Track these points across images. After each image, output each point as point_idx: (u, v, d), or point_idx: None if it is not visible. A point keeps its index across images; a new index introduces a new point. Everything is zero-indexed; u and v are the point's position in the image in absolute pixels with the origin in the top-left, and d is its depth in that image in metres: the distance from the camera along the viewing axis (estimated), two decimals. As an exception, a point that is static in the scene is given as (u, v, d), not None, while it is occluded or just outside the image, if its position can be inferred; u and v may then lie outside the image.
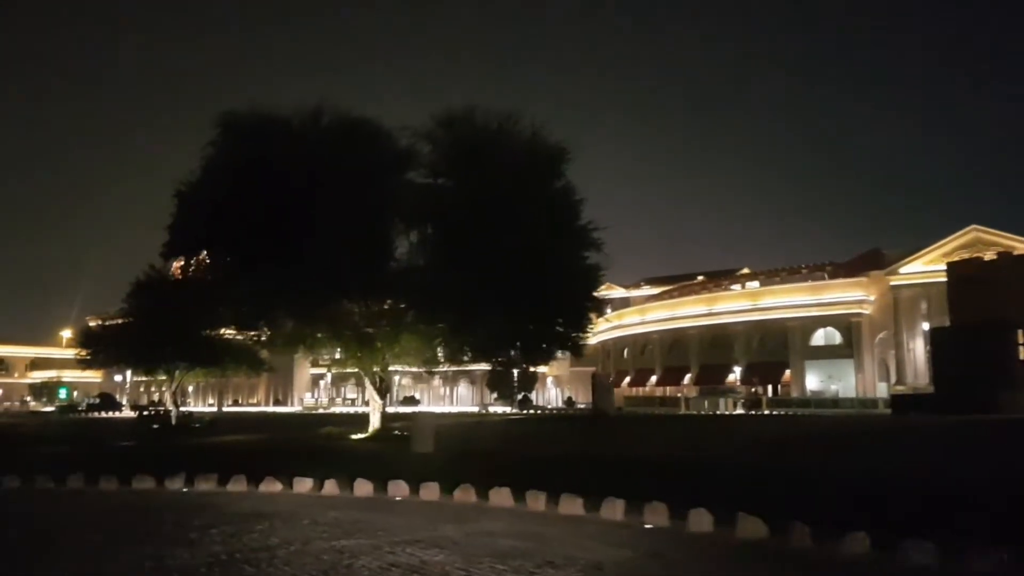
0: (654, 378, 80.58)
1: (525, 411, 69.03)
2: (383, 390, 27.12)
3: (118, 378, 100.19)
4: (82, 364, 46.86)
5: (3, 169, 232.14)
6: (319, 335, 27.17)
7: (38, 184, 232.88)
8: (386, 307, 26.25)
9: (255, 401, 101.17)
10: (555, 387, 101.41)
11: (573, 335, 26.88)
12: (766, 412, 57.57)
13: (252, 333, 30.39)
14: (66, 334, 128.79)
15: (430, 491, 12.64)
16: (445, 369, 52.56)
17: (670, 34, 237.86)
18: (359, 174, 23.96)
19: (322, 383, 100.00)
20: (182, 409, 44.25)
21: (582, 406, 79.90)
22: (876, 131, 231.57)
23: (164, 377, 47.68)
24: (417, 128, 25.02)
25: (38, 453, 22.84)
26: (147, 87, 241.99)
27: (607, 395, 57.83)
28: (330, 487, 13.52)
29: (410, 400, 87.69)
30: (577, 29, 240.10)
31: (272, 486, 13.96)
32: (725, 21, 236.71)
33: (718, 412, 58.77)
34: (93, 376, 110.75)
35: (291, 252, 22.86)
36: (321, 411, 76.65)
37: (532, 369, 77.19)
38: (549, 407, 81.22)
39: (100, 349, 43.95)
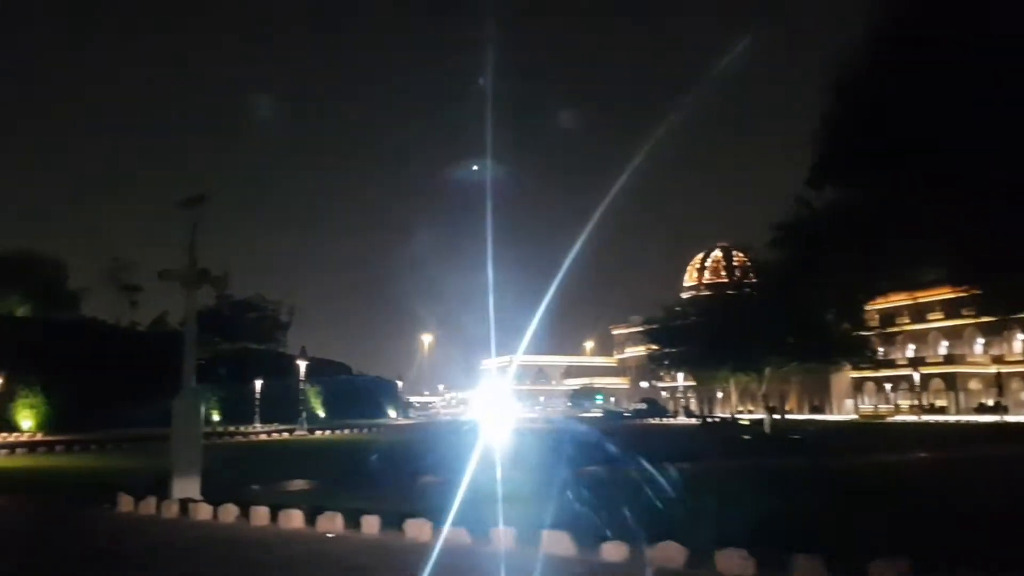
0: None
1: None
2: None
3: (643, 384, 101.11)
4: (652, 362, 43.83)
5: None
6: None
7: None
8: None
9: (789, 408, 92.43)
10: None
11: None
12: None
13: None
14: (588, 344, 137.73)
15: None
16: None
17: None
18: None
19: (874, 386, 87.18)
20: (736, 415, 37.90)
21: None
22: None
23: (726, 379, 42.24)
24: None
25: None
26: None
27: None
28: None
29: (993, 407, 69.71)
30: None
31: None
32: None
33: None
34: (620, 381, 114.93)
35: None
36: (890, 420, 64.88)
37: None
38: None
39: (672, 346, 40.05)
